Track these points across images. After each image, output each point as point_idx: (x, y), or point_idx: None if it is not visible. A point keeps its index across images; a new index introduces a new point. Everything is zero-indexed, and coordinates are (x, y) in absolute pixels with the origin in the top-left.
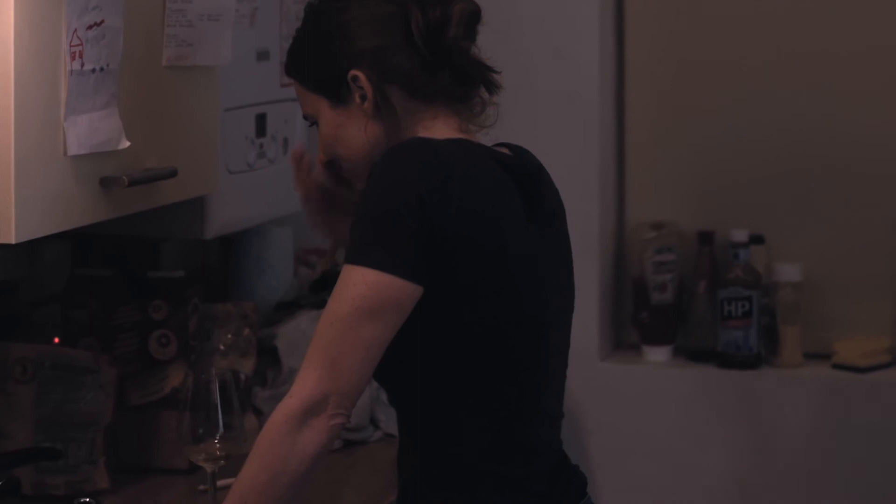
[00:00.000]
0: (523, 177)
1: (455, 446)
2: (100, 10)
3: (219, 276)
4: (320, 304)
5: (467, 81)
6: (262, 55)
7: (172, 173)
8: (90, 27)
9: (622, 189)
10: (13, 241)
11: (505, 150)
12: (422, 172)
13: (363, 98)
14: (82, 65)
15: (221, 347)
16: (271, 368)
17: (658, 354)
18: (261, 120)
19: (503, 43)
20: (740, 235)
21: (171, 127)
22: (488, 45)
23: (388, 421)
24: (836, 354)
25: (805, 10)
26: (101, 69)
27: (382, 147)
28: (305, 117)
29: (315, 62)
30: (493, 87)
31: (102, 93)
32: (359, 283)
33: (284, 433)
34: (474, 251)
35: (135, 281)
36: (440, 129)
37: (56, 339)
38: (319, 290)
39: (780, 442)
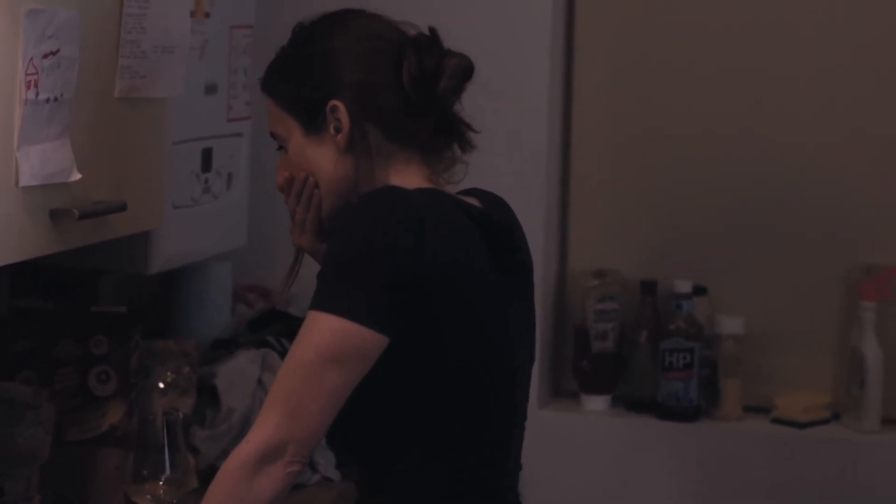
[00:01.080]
0: (490, 228)
1: (420, 496)
2: (56, 38)
3: (157, 312)
4: (259, 343)
5: (445, 134)
6: (210, 89)
7: (122, 207)
8: (46, 56)
9: (565, 236)
10: None
11: (474, 200)
12: (393, 221)
13: (337, 130)
14: (37, 94)
15: (161, 385)
16: (210, 408)
17: (597, 403)
18: (206, 154)
19: None
20: (684, 286)
21: (120, 159)
22: None
23: (326, 464)
24: (776, 409)
25: (751, 67)
26: (56, 99)
27: (350, 184)
28: (273, 136)
29: (295, 84)
30: (467, 146)
31: (56, 123)
32: (324, 330)
33: (240, 478)
34: (445, 300)
35: (77, 315)
36: (412, 176)
37: None
38: (258, 328)
39: (719, 495)
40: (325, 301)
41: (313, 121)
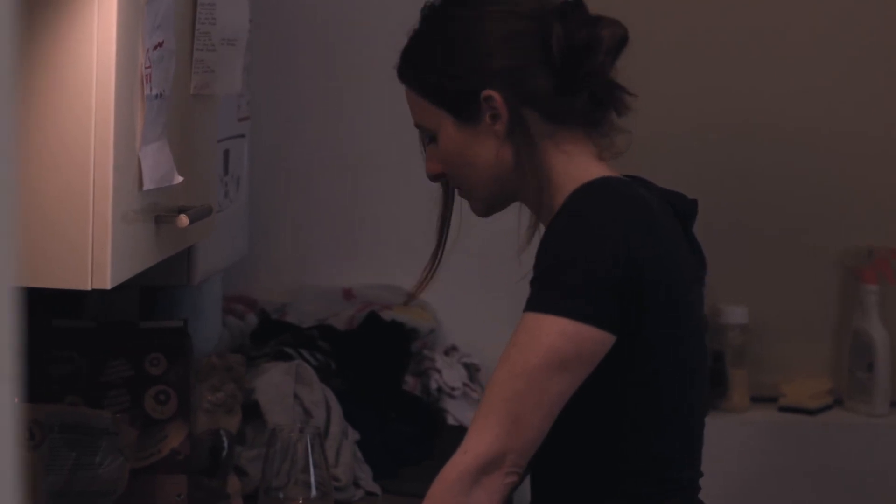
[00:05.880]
0: (684, 214)
1: (628, 498)
2: (161, 29)
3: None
4: (277, 356)
5: (602, 103)
6: None
7: (209, 211)
8: (155, 48)
9: None
10: (108, 287)
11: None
12: (624, 218)
13: (494, 118)
14: (151, 89)
15: (206, 404)
16: (250, 426)
17: None
18: (226, 156)
19: None
20: None
21: (192, 161)
22: None
23: (367, 479)
24: (784, 397)
25: (748, 51)
26: (160, 95)
27: (510, 172)
28: (419, 127)
29: (442, 75)
30: (624, 109)
31: (159, 122)
32: (552, 334)
33: (457, 492)
34: (664, 298)
35: (126, 332)
36: (583, 157)
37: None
38: (261, 339)
39: (734, 487)
40: (552, 303)
41: (467, 112)
